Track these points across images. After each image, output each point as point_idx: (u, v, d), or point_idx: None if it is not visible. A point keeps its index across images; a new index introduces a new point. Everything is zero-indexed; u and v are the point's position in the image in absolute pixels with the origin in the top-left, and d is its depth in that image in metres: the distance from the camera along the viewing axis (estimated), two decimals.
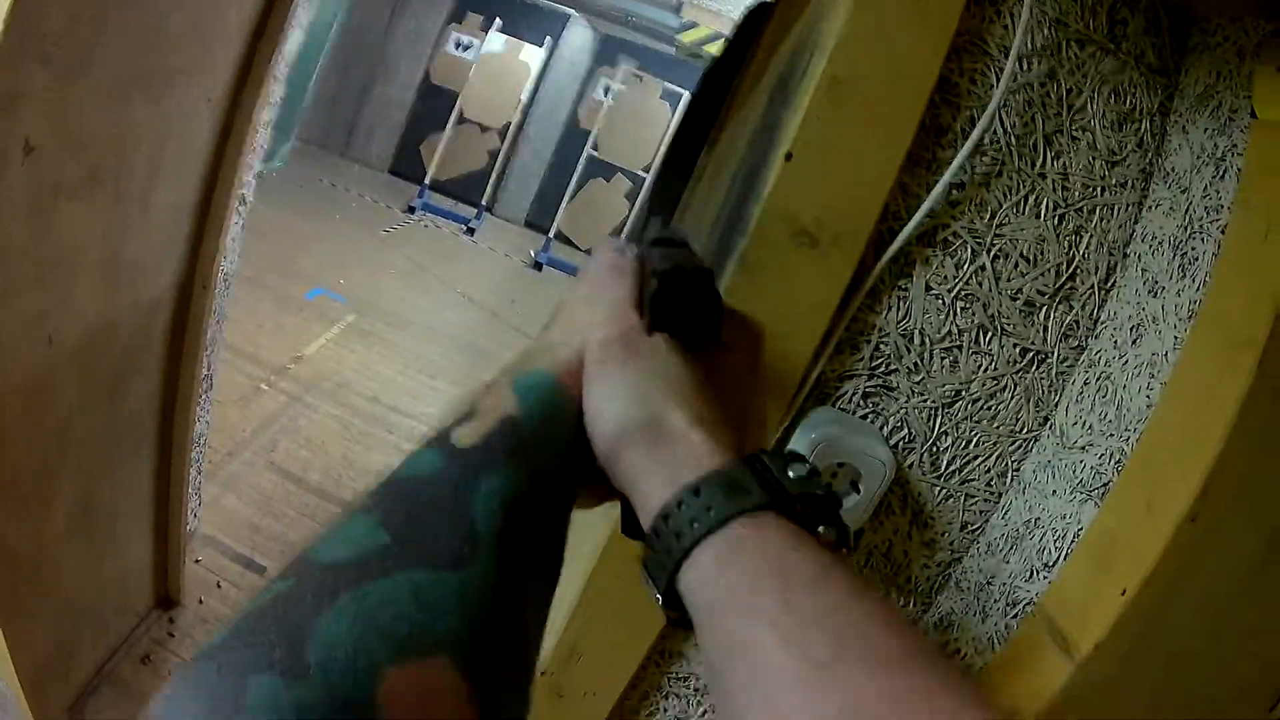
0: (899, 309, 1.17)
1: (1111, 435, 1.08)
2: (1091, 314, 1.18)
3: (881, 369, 1.20)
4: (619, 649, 1.32)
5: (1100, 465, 1.08)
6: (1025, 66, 1.12)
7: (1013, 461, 1.22)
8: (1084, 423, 1.14)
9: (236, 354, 4.77)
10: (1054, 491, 1.15)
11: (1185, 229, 1.07)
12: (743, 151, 1.42)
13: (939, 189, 1.11)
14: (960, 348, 1.18)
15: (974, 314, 1.17)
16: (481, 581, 0.52)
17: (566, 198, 10.02)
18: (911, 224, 1.12)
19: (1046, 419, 1.21)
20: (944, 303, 1.17)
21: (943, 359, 1.19)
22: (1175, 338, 1.03)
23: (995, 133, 1.12)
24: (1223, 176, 1.04)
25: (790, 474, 0.57)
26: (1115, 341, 1.14)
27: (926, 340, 1.18)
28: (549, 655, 1.34)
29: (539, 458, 0.60)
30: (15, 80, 1.47)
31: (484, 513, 0.54)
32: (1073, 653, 0.97)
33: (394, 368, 5.71)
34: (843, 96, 1.06)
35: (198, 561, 3.25)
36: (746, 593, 0.51)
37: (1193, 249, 1.06)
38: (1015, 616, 1.14)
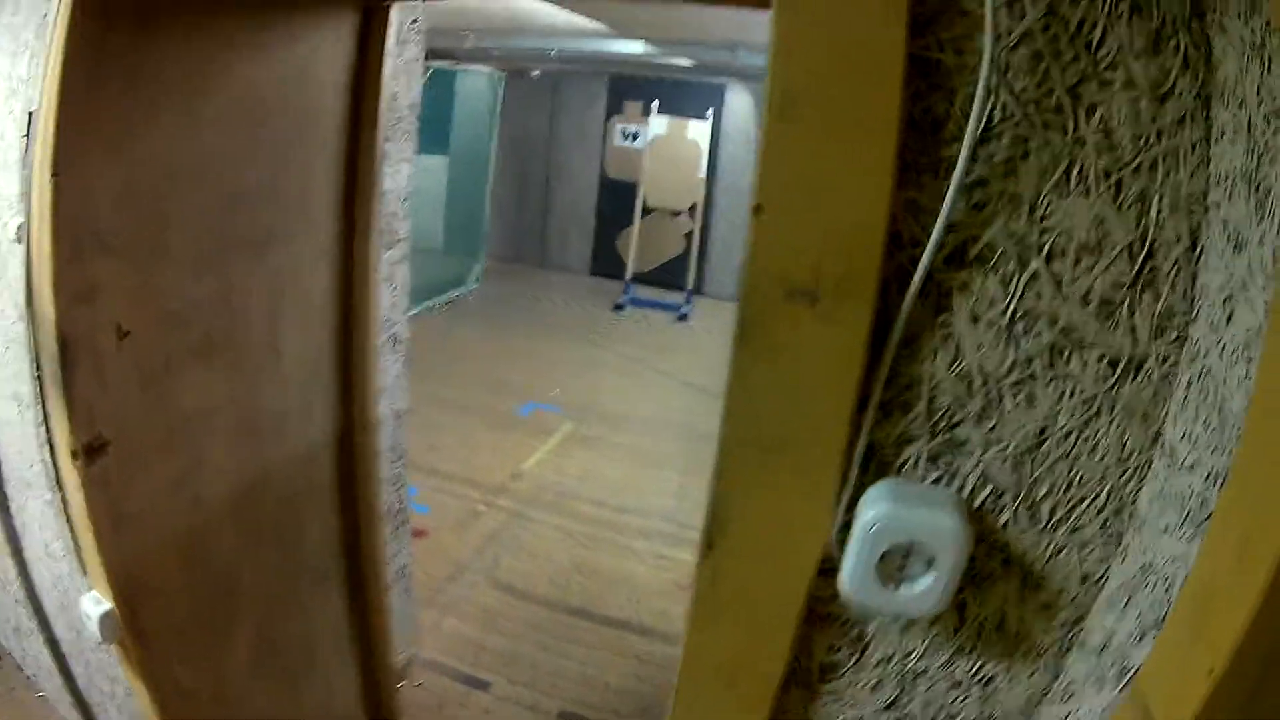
0: (946, 351, 0.98)
1: (1215, 448, 0.84)
2: (1185, 294, 0.92)
3: (944, 424, 1.01)
4: None
5: (1205, 490, 0.84)
6: (1016, 13, 0.90)
7: (1127, 495, 0.99)
8: (1190, 435, 0.90)
9: (450, 479, 4.87)
10: (1166, 527, 0.91)
11: (1252, 154, 0.82)
12: None
13: (952, 194, 0.92)
14: (1034, 378, 0.97)
15: (1040, 334, 0.96)
16: None
17: None
18: (930, 245, 0.93)
19: (1157, 436, 0.96)
20: (1000, 330, 0.96)
21: (1015, 396, 0.98)
22: (1265, 303, 0.77)
23: (1005, 105, 0.91)
24: (1270, 69, 0.79)
25: None
26: (1211, 323, 0.88)
27: (990, 379, 0.98)
28: None
29: None
30: (84, 276, 1.53)
31: None
32: None
33: (617, 468, 5.62)
34: (800, 114, 0.91)
35: (419, 685, 3.27)
36: None
37: (1264, 178, 0.80)
38: (1122, 690, 0.92)
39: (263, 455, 2.12)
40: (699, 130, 10.26)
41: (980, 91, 0.90)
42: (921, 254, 0.95)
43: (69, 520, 1.71)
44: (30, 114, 1.56)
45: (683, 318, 9.84)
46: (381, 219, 2.37)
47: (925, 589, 1.00)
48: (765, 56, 0.94)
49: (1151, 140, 0.90)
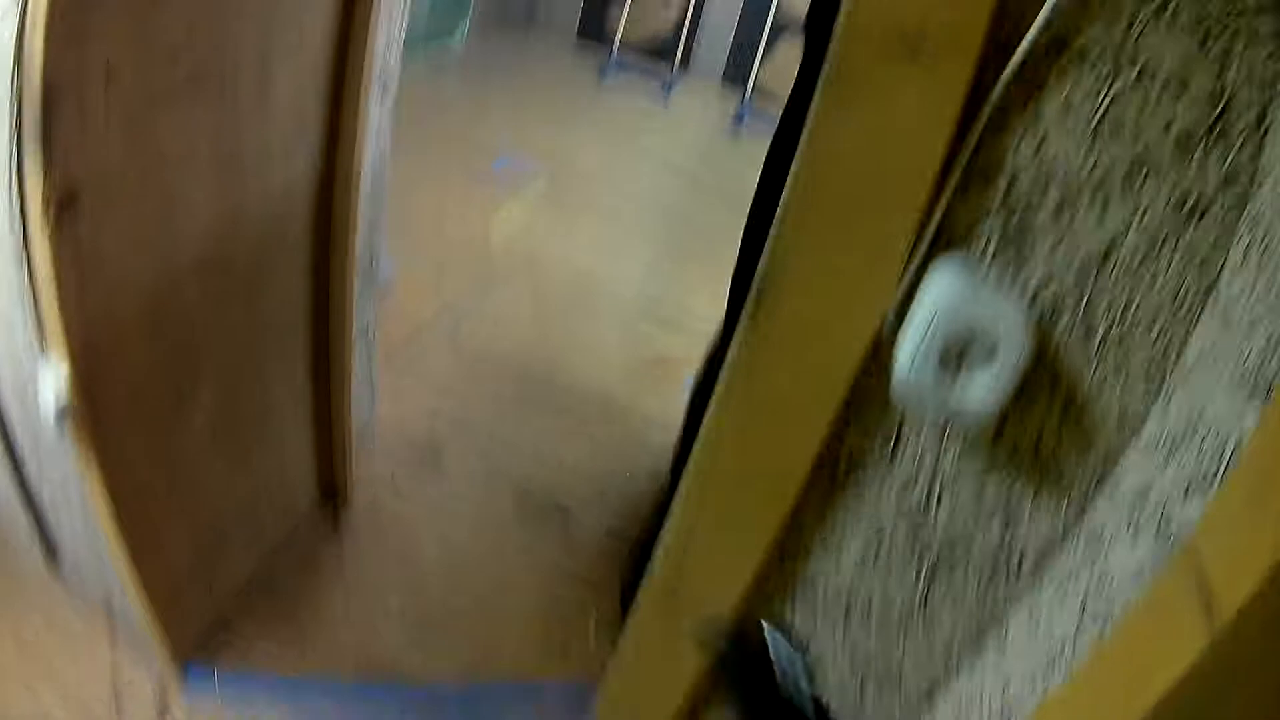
0: (1034, 134, 0.97)
1: (1275, 314, 0.86)
2: (1251, 157, 0.93)
3: (1021, 206, 1.00)
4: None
5: (1266, 354, 0.85)
6: None
7: (1177, 339, 1.00)
8: (1248, 296, 0.91)
9: (421, 235, 4.76)
10: (1217, 384, 0.92)
11: None
12: None
13: None
14: (1110, 188, 0.97)
15: (1123, 146, 0.95)
16: None
17: (761, 51, 9.70)
18: (1036, 24, 0.92)
19: (1210, 288, 0.97)
20: (1086, 127, 0.96)
21: (1090, 202, 0.98)
22: None
23: None
24: None
25: None
26: (1275, 196, 0.90)
27: (1070, 175, 0.97)
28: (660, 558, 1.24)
29: None
30: (83, 13, 1.41)
31: None
32: (1213, 615, 0.75)
33: (588, 235, 5.58)
34: None
35: (368, 452, 3.24)
36: None
37: None
38: (1169, 542, 0.93)
39: (238, 201, 2.03)
40: None
41: None
42: (1027, 27, 0.93)
43: (32, 282, 1.62)
44: None
45: (667, 90, 9.65)
46: None
47: (984, 383, 1.00)
48: None
49: (1235, 12, 0.89)
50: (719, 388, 1.20)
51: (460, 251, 4.86)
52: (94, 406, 1.71)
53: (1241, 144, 0.93)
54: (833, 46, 0.98)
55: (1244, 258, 0.93)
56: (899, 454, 1.15)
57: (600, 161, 6.99)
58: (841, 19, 0.95)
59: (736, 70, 10.31)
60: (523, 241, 5.23)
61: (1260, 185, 0.93)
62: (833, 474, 1.19)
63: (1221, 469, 0.88)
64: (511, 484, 3.31)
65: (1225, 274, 0.96)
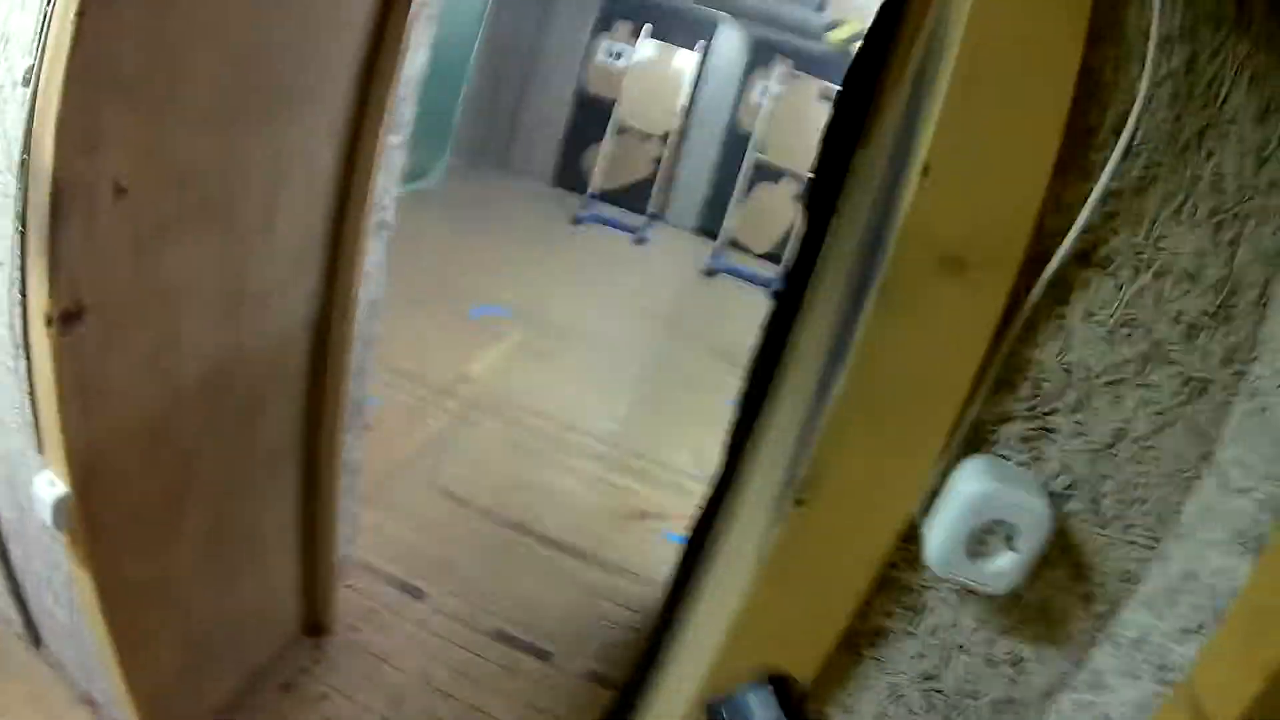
0: (1059, 340, 1.06)
1: (1269, 478, 0.96)
2: (1251, 334, 1.04)
3: (1041, 409, 1.09)
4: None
5: (1258, 513, 0.96)
6: (1166, 55, 0.99)
7: (1174, 505, 1.09)
8: (1244, 461, 1.01)
9: (399, 375, 4.82)
10: (1212, 541, 1.02)
11: None
12: (883, 161, 1.35)
13: (1095, 198, 1.00)
14: (1124, 380, 1.06)
15: (1138, 342, 1.05)
16: None
17: (734, 202, 9.90)
18: (1069, 240, 1.01)
19: (1208, 456, 1.07)
20: (1106, 330, 1.05)
21: (1105, 394, 1.07)
22: None
23: (1145, 131, 1.00)
24: None
25: None
26: (1274, 366, 1.01)
27: (1089, 373, 1.07)
28: None
29: None
30: (91, 125, 1.46)
31: None
32: None
33: (564, 383, 5.65)
34: (979, 96, 0.98)
35: (349, 586, 3.25)
36: None
37: None
38: (1165, 682, 1.03)
39: (240, 333, 2.07)
40: (686, 60, 10.27)
41: (1135, 114, 0.98)
42: (1059, 244, 1.02)
43: (31, 391, 1.64)
44: None
45: (641, 241, 9.81)
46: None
47: (1005, 566, 1.07)
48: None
49: (1249, 194, 1.00)
50: (756, 567, 1.25)
51: (440, 394, 4.92)
52: (90, 514, 1.71)
53: (1245, 323, 1.03)
54: (883, 261, 1.05)
55: (1240, 425, 1.03)
56: (919, 625, 1.22)
57: (575, 308, 7.10)
58: (895, 237, 1.02)
59: (710, 219, 10.50)
60: (501, 386, 5.28)
61: (1259, 358, 1.03)
62: (856, 644, 1.25)
63: (1212, 615, 0.97)
64: (491, 624, 3.30)
65: (1222, 441, 1.05)
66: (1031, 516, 1.05)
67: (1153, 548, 1.10)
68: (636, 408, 5.50)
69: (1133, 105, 0.98)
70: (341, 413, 2.56)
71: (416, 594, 3.37)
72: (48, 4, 1.40)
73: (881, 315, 1.04)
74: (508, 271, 7.42)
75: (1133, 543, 1.11)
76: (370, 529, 3.51)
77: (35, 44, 1.43)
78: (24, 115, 1.46)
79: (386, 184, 2.45)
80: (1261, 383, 1.01)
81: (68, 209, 1.47)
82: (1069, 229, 1.01)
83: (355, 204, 2.31)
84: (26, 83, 1.48)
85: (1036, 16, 0.96)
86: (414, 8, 2.17)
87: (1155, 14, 0.96)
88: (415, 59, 2.38)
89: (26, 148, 1.46)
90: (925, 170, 0.99)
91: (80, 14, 1.36)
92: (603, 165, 10.36)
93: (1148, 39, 0.97)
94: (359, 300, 2.45)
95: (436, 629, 3.22)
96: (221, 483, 2.20)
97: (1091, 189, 1.00)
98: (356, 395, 2.70)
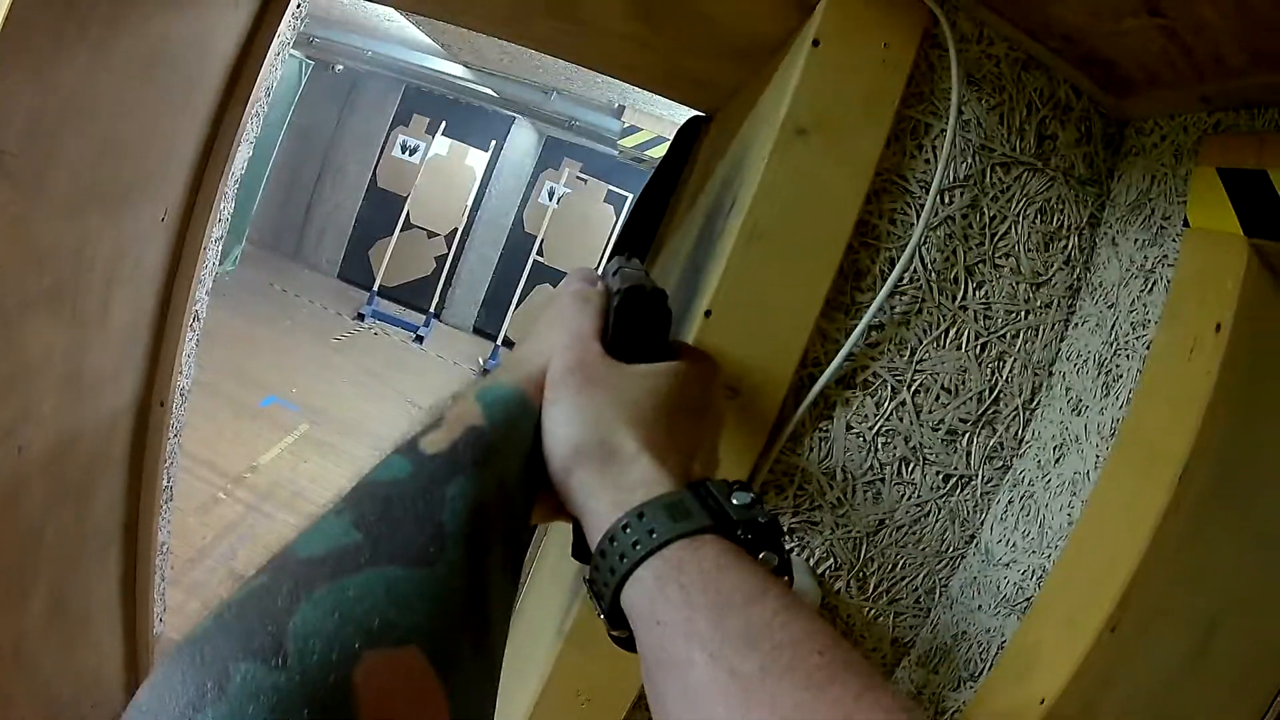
0: (820, 449, 1.18)
1: (1034, 552, 1.11)
2: (1016, 434, 1.20)
3: (805, 506, 1.20)
4: None
5: (1023, 581, 1.10)
6: (946, 200, 1.13)
7: (940, 579, 1.24)
8: (1008, 540, 1.16)
9: (195, 461, 4.80)
10: (980, 606, 1.17)
11: (1111, 346, 1.09)
12: (674, 285, 1.44)
13: (856, 333, 1.13)
14: (883, 480, 1.19)
15: (895, 448, 1.18)
16: (449, 578, 0.55)
17: (513, 304, 10.03)
18: (830, 369, 1.13)
19: (973, 537, 1.22)
20: (865, 440, 1.18)
21: (865, 492, 1.20)
22: (1097, 456, 1.06)
23: (915, 271, 1.14)
24: (1151, 290, 1.05)
25: (734, 500, 0.61)
26: (1039, 461, 1.16)
27: (849, 476, 1.19)
28: None
29: (502, 464, 0.64)
30: None
31: (451, 514, 0.57)
32: None
33: (348, 477, 5.54)
34: (761, 248, 1.08)
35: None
36: (682, 610, 0.55)
37: (1117, 366, 1.07)
38: None
39: (78, 415, 2.07)
40: (477, 159, 10.39)
41: (902, 262, 1.11)
42: (821, 373, 1.14)
43: None
44: None
45: (419, 339, 9.86)
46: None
47: None
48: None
49: (1020, 316, 1.17)
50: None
51: (233, 483, 4.89)
52: None
53: (1008, 425, 1.20)
54: None
55: (1004, 511, 1.19)
56: None
57: (357, 403, 7.20)
58: None
59: (487, 320, 10.60)
60: (289, 477, 5.31)
61: (1023, 454, 1.19)
62: None
63: (989, 664, 1.11)
64: None
65: (987, 525, 1.21)
66: (805, 593, 1.17)
67: (921, 614, 1.25)
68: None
69: (905, 249, 1.12)
70: (158, 497, 2.56)
71: None
72: None
73: None
74: (296, 363, 7.43)
75: (901, 614, 1.24)
76: (177, 611, 3.46)
77: None
78: None
79: (204, 277, 2.52)
80: (1027, 474, 1.16)
81: None
82: (833, 358, 1.13)
83: (179, 295, 2.33)
84: None
85: (822, 178, 1.08)
86: (250, 102, 2.27)
87: (938, 170, 1.10)
88: (242, 153, 2.47)
89: None
90: (708, 313, 1.09)
91: None
92: (388, 261, 10.37)
93: (928, 189, 1.11)
94: (176, 391, 2.49)
95: None
96: (61, 555, 2.18)
97: (856, 324, 1.13)
98: (169, 482, 2.73)
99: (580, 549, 0.68)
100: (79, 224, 1.83)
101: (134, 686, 2.84)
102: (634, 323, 0.73)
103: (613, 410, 0.67)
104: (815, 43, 1.07)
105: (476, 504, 0.59)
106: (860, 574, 1.22)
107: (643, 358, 0.72)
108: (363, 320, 9.87)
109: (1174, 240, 1.03)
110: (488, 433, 0.64)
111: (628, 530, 0.59)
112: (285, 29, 2.25)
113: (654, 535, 0.58)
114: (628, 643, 0.61)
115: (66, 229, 1.80)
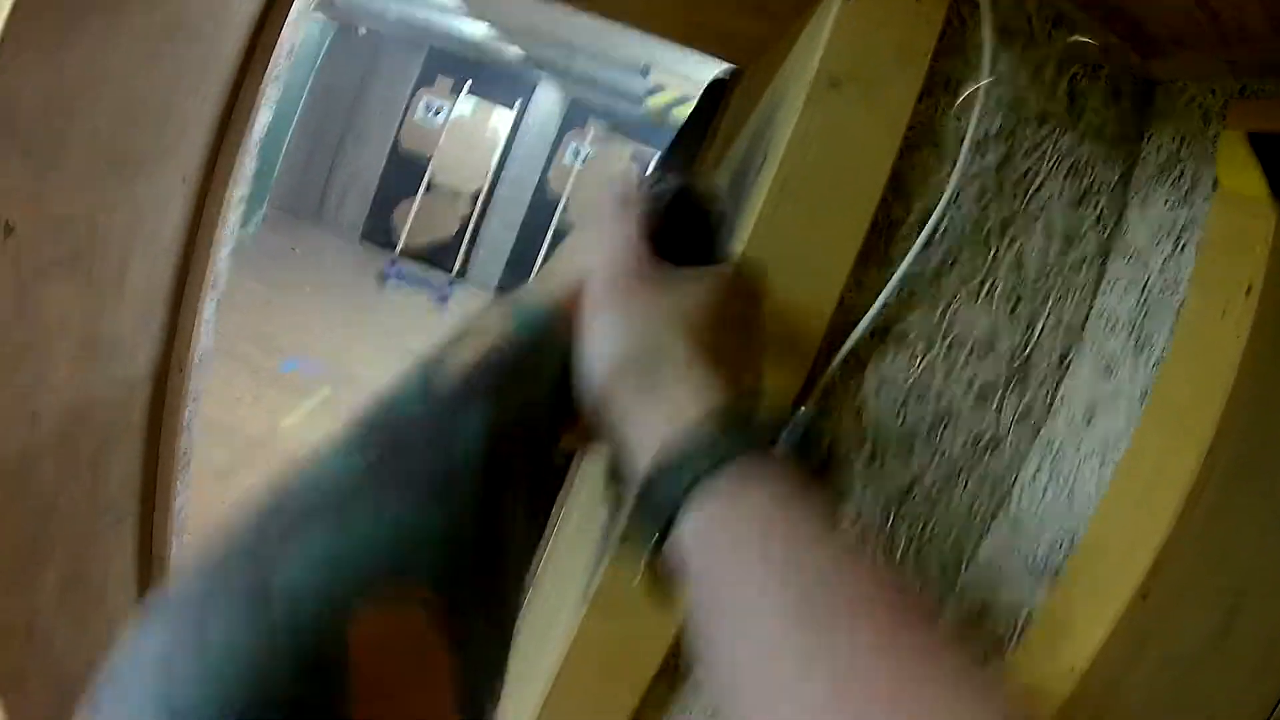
0: (853, 406, 1.16)
1: (1063, 519, 1.08)
2: (1047, 397, 1.17)
3: (837, 465, 1.16)
4: None
5: (1052, 548, 1.08)
6: (980, 154, 1.11)
7: (969, 546, 1.20)
8: (1037, 507, 1.14)
9: (215, 427, 4.75)
10: (1008, 575, 1.14)
11: (1142, 308, 1.06)
12: None
13: (891, 285, 1.10)
14: (914, 439, 1.17)
15: (928, 405, 1.16)
16: (461, 519, 0.51)
17: (538, 265, 10.00)
18: (864, 322, 1.11)
19: (1002, 502, 1.19)
20: (897, 396, 1.16)
21: (895, 452, 1.17)
22: (1127, 420, 1.03)
23: (949, 223, 1.11)
24: (1181, 251, 1.02)
25: (793, 416, 0.59)
26: (1070, 424, 1.13)
27: (881, 435, 1.17)
28: None
29: (529, 386, 0.60)
30: None
31: (467, 441, 0.53)
32: None
33: None
34: (794, 199, 1.06)
35: None
36: (748, 550, 0.51)
37: (1148, 329, 1.04)
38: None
39: (93, 381, 2.07)
40: (502, 118, 10.36)
41: (936, 215, 1.09)
42: (856, 321, 1.12)
43: None
44: None
45: (443, 299, 9.83)
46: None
47: None
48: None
49: (1052, 275, 1.14)
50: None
51: (253, 450, 4.87)
52: None
53: (1039, 387, 1.16)
54: None
55: (1034, 476, 1.15)
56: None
57: (380, 367, 7.03)
58: None
59: (512, 280, 10.56)
60: (311, 442, 5.21)
61: (1056, 416, 1.16)
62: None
63: (1017, 635, 1.08)
64: None
65: (1016, 490, 1.18)
66: None
67: (948, 582, 1.21)
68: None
69: (939, 201, 1.09)
70: (175, 470, 2.55)
71: None
72: None
73: None
74: (317, 327, 7.41)
75: (928, 580, 1.21)
76: None
77: None
78: None
79: (224, 240, 2.50)
80: (1058, 438, 1.13)
81: None
82: (867, 310, 1.11)
83: (199, 259, 2.33)
84: None
85: (855, 131, 1.06)
86: (270, 67, 2.24)
87: (971, 124, 1.07)
88: (263, 117, 2.45)
89: None
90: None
91: None
92: (411, 222, 10.36)
93: (962, 143, 1.08)
94: (195, 358, 2.48)
95: None
96: (76, 530, 2.18)
97: (890, 276, 1.10)
98: (186, 450, 2.72)
99: (613, 483, 0.64)
100: (95, 192, 1.83)
101: None
102: (686, 224, 0.69)
103: (664, 319, 0.62)
104: None
105: (497, 430, 0.55)
106: (889, 538, 1.20)
107: (694, 261, 0.68)
108: (387, 281, 9.87)
109: (1204, 202, 1.01)
110: (516, 350, 0.60)
111: (687, 449, 0.54)
112: None
113: (716, 451, 0.53)
114: (665, 587, 0.57)
115: (82, 197, 1.79)
